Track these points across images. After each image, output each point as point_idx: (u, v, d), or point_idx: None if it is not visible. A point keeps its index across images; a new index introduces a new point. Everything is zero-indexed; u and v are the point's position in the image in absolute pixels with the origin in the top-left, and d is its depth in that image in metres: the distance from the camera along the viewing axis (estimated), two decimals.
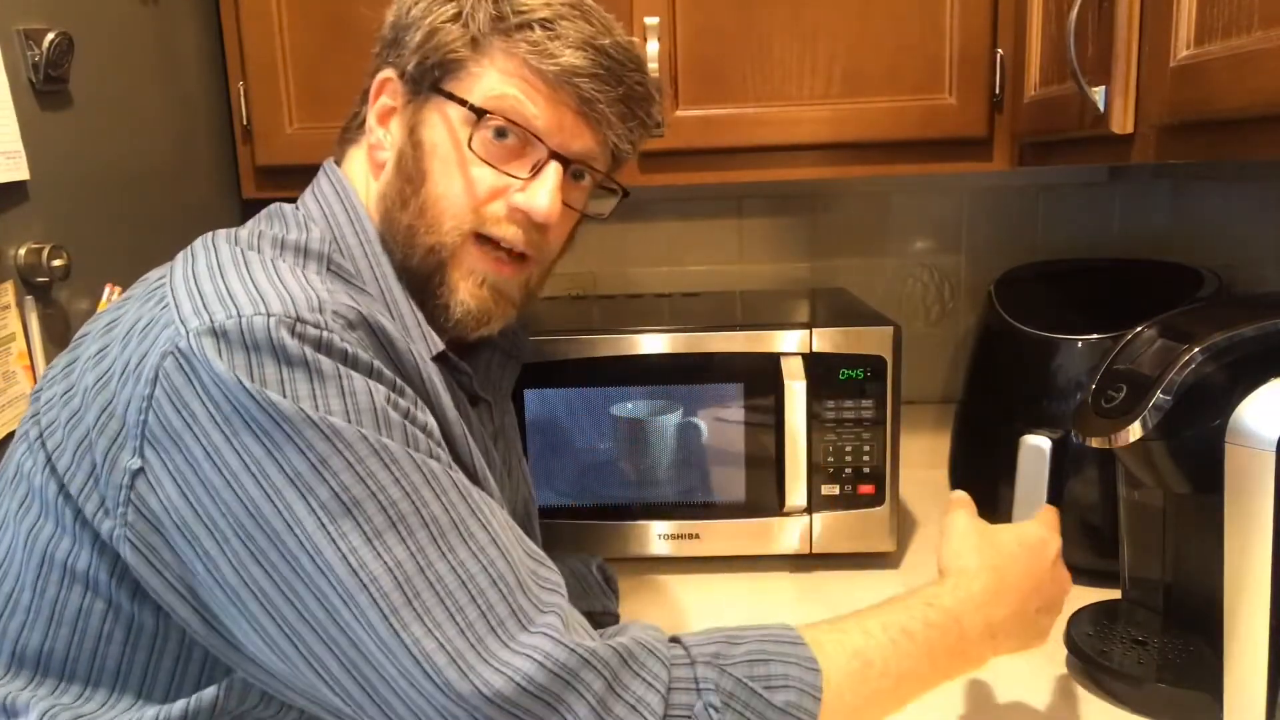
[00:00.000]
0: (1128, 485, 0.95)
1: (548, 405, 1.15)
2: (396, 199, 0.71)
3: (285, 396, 0.54)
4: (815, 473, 1.13)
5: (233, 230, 0.69)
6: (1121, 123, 0.83)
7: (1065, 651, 0.94)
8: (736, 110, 1.16)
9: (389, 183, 0.72)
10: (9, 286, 0.84)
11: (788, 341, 1.12)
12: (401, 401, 0.59)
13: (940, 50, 1.13)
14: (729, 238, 1.52)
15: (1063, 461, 1.04)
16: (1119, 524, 0.97)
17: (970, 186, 1.48)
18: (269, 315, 0.56)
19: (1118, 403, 0.85)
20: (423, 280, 0.71)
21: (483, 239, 0.71)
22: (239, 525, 0.55)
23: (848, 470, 1.14)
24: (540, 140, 0.69)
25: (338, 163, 0.76)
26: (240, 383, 0.54)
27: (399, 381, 0.60)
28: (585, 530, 1.16)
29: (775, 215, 1.51)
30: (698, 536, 1.16)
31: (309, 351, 0.56)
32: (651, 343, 1.13)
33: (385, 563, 0.54)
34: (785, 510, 1.13)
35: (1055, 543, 0.77)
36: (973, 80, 1.13)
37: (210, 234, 0.68)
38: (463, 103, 0.69)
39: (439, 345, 0.70)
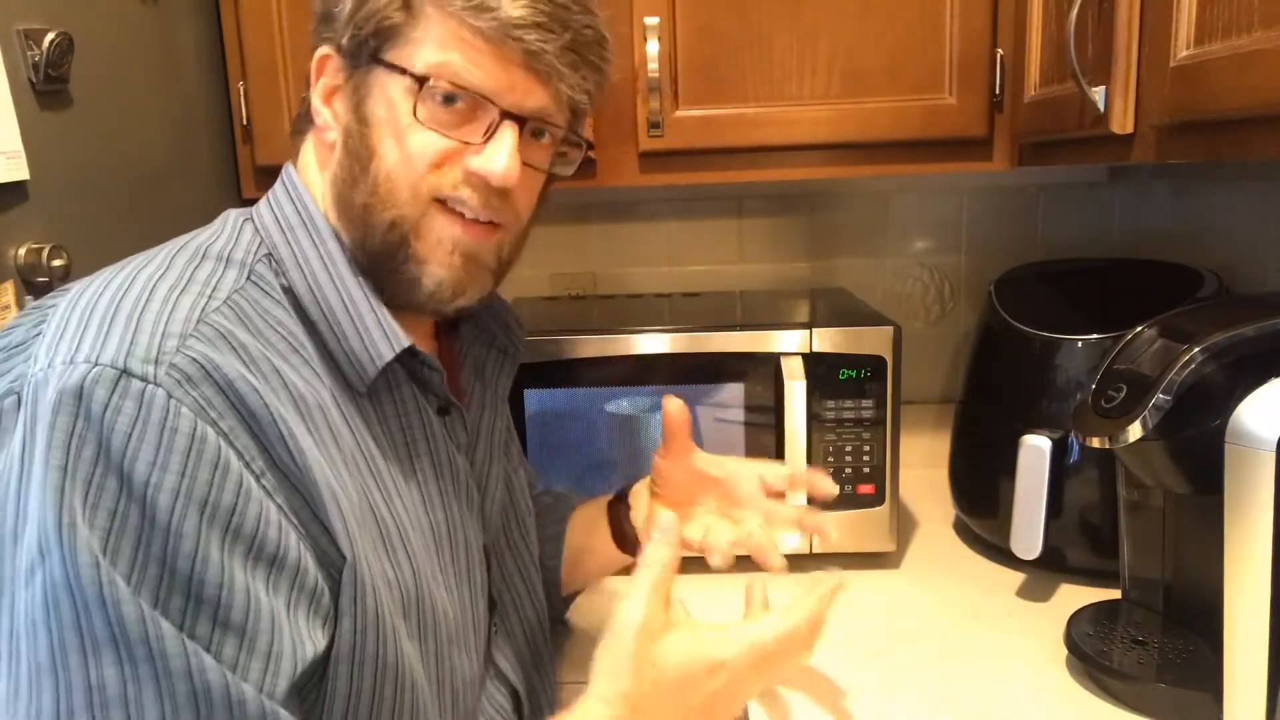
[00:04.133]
0: (1128, 485, 0.95)
1: (548, 405, 1.15)
2: (347, 179, 0.67)
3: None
4: None
5: (185, 237, 0.66)
6: (1121, 123, 0.83)
7: (1065, 651, 0.94)
8: (736, 110, 1.16)
9: (339, 163, 0.68)
10: (9, 286, 0.84)
11: (788, 341, 1.12)
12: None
13: (940, 50, 1.13)
14: (729, 238, 1.52)
15: (1063, 461, 1.05)
16: (1119, 524, 0.97)
17: (970, 186, 1.48)
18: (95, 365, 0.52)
19: (1118, 403, 0.85)
20: (385, 259, 0.67)
21: (444, 206, 0.67)
22: None
23: (848, 470, 1.14)
24: (490, 102, 0.65)
25: (294, 159, 0.73)
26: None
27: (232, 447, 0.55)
28: None
29: (775, 215, 1.51)
30: None
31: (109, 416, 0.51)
32: (651, 343, 1.13)
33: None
34: None
35: (735, 662, 0.64)
36: (973, 80, 1.13)
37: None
38: (404, 72, 0.65)
39: (403, 342, 0.66)
